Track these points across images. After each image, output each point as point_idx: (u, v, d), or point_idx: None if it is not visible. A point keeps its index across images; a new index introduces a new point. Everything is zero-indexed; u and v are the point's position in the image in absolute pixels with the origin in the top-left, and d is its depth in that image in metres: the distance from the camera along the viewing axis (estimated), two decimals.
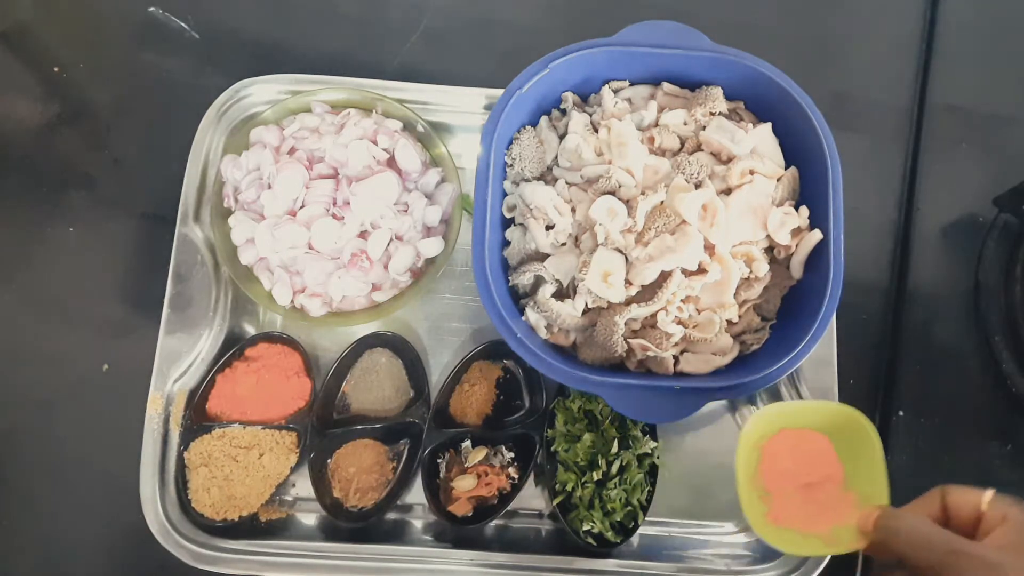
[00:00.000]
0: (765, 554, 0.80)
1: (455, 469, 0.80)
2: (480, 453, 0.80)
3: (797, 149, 0.77)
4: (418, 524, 0.82)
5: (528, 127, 0.79)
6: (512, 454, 0.81)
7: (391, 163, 0.84)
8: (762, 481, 0.69)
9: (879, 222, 0.93)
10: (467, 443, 0.81)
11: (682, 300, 0.73)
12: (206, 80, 0.93)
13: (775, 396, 0.83)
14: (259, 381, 0.82)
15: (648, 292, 0.73)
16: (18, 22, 0.99)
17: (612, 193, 0.74)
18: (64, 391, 0.86)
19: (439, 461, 0.81)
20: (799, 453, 0.70)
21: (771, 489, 0.69)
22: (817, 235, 0.73)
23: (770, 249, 0.77)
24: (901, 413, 0.87)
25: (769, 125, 0.78)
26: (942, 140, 0.96)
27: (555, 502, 0.79)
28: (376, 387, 0.85)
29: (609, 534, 0.78)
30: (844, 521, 0.67)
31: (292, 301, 0.82)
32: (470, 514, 0.79)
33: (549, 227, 0.75)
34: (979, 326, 0.89)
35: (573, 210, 0.76)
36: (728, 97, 0.79)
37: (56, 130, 0.95)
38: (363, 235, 0.81)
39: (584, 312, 0.74)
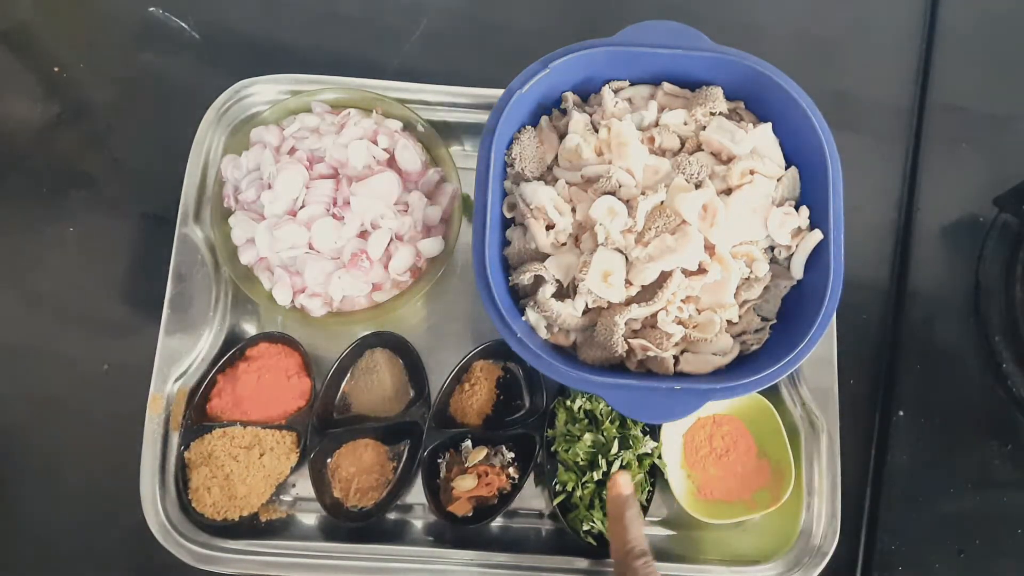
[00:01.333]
0: (766, 554, 0.80)
1: (455, 469, 0.80)
2: (480, 453, 0.80)
3: (797, 149, 0.77)
4: (418, 524, 0.82)
5: (528, 127, 0.79)
6: (512, 454, 0.81)
7: (391, 163, 0.84)
8: (687, 465, 0.83)
9: (879, 222, 0.93)
10: (467, 443, 0.81)
11: (682, 300, 0.73)
12: (206, 80, 0.93)
13: (775, 396, 0.83)
14: (259, 381, 0.82)
15: (648, 292, 0.73)
16: (18, 22, 0.99)
17: (612, 193, 0.74)
18: (64, 391, 0.86)
19: (439, 461, 0.81)
20: (715, 436, 0.83)
21: (696, 470, 0.82)
22: (817, 235, 0.73)
23: (770, 249, 0.77)
24: (901, 413, 0.87)
25: (769, 125, 0.78)
26: (942, 140, 0.96)
27: (555, 502, 0.79)
28: (376, 387, 0.85)
29: None
30: (762, 486, 0.81)
31: (292, 301, 0.82)
32: (470, 514, 0.79)
33: (549, 227, 0.75)
34: (979, 326, 0.89)
35: (573, 210, 0.76)
36: (728, 97, 0.79)
37: (56, 130, 0.95)
38: (363, 235, 0.81)
39: (584, 312, 0.74)
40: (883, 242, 0.93)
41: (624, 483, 0.71)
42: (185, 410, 0.81)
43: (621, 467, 0.78)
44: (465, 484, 0.78)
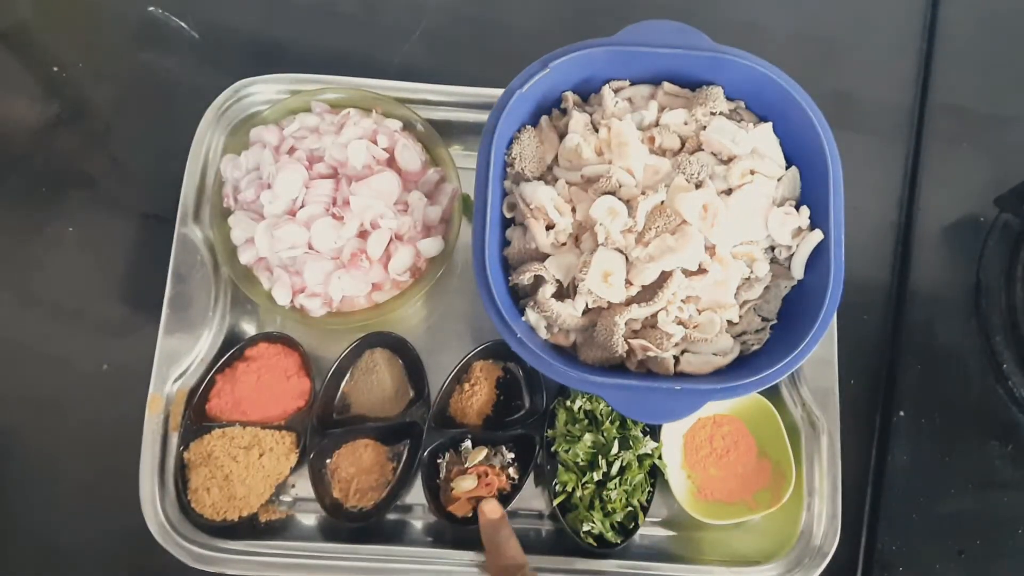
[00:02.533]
0: (766, 555, 0.80)
1: (455, 470, 0.80)
2: (480, 453, 0.80)
3: (798, 149, 0.77)
4: (418, 524, 0.82)
5: (528, 127, 0.79)
6: (512, 454, 0.81)
7: (391, 163, 0.84)
8: (688, 466, 0.83)
9: (880, 222, 0.93)
10: (467, 443, 0.81)
11: (682, 300, 0.73)
12: (206, 80, 0.93)
13: (776, 396, 0.83)
14: (259, 381, 0.82)
15: (648, 292, 0.72)
16: (18, 22, 0.99)
17: (612, 193, 0.74)
18: (64, 391, 0.86)
19: (439, 461, 0.81)
20: (716, 436, 0.83)
21: (697, 471, 0.82)
22: (818, 235, 0.73)
23: (771, 249, 0.77)
24: (901, 413, 0.87)
25: (770, 125, 0.77)
26: (943, 140, 0.96)
27: (555, 502, 0.79)
28: (376, 387, 0.84)
29: (609, 535, 0.78)
30: (763, 486, 0.81)
31: (292, 301, 0.82)
32: (470, 514, 0.79)
33: (549, 227, 0.75)
34: (979, 326, 0.89)
35: (573, 210, 0.76)
36: (729, 97, 0.79)
37: (56, 130, 0.95)
38: (363, 235, 0.81)
39: (584, 312, 0.74)
40: (883, 242, 0.93)
41: (491, 509, 0.76)
42: (184, 410, 0.81)
43: (621, 467, 0.78)
44: (465, 485, 0.78)
